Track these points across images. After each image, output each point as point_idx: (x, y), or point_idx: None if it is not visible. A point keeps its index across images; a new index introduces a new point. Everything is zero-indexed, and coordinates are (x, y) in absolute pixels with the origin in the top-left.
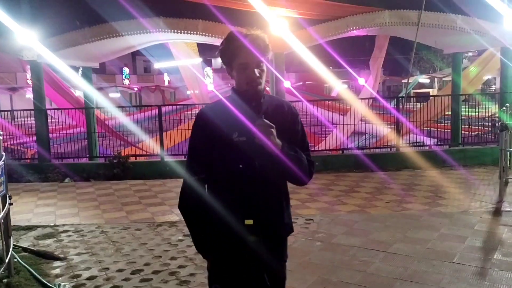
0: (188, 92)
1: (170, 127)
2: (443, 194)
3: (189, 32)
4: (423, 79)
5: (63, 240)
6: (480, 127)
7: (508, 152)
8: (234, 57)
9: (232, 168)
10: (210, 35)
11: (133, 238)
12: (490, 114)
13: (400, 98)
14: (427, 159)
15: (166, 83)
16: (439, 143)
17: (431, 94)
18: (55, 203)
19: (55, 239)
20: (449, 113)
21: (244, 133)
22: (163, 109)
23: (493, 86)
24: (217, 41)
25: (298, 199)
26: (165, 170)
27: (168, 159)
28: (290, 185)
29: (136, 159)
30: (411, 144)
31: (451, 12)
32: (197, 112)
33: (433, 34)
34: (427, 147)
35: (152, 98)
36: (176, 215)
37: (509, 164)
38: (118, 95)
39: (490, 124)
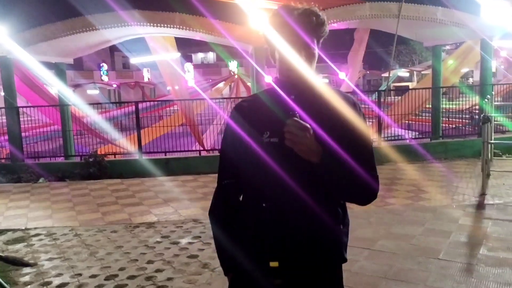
0: (168, 88)
1: (149, 124)
2: (426, 188)
3: (166, 25)
4: (402, 72)
5: (34, 244)
6: (458, 120)
7: (490, 145)
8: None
9: (258, 176)
10: (187, 28)
11: (108, 241)
12: (468, 106)
13: (382, 92)
14: (408, 153)
15: (146, 79)
16: (419, 136)
17: (410, 87)
18: (27, 205)
19: (25, 243)
20: (429, 106)
21: (277, 132)
22: (141, 105)
23: (471, 78)
24: (195, 35)
25: None
26: (142, 169)
27: (146, 157)
28: None
29: (114, 157)
30: (392, 138)
31: (431, 4)
32: (176, 108)
33: (413, 27)
34: (408, 141)
35: (132, 95)
36: (154, 216)
37: (490, 156)
38: (96, 91)
39: (468, 116)
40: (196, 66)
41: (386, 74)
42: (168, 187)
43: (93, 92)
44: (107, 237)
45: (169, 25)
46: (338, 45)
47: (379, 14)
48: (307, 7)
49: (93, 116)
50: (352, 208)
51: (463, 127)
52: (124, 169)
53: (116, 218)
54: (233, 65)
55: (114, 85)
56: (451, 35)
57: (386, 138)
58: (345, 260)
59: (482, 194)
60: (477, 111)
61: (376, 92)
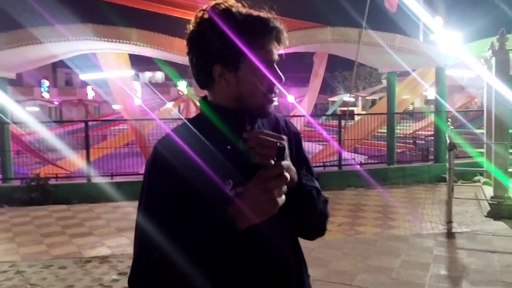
0: (116, 107)
1: (93, 143)
2: (392, 215)
3: (122, 41)
4: (348, 97)
5: None
6: (402, 145)
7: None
8: (254, 44)
9: (230, 238)
10: (145, 45)
11: (56, 279)
12: (411, 132)
13: (344, 116)
14: (368, 177)
15: (90, 97)
16: (376, 161)
17: (355, 112)
18: None
19: None
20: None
21: (242, 180)
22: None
23: (411, 105)
24: (153, 52)
25: None
26: (92, 193)
27: (96, 180)
28: None
29: (57, 180)
30: (349, 163)
31: (390, 31)
32: (122, 127)
33: (371, 53)
34: (359, 166)
35: (75, 113)
36: (107, 248)
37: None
38: (36, 109)
39: (412, 141)
40: (144, 85)
41: (333, 99)
42: (122, 214)
43: (33, 109)
44: (55, 274)
45: (125, 41)
46: (291, 68)
47: (340, 39)
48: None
49: (36, 134)
50: (324, 238)
51: (411, 152)
52: (71, 194)
53: (64, 251)
54: (182, 85)
55: (56, 103)
56: (407, 62)
57: (344, 163)
58: None
59: (449, 222)
60: (421, 137)
61: (338, 117)
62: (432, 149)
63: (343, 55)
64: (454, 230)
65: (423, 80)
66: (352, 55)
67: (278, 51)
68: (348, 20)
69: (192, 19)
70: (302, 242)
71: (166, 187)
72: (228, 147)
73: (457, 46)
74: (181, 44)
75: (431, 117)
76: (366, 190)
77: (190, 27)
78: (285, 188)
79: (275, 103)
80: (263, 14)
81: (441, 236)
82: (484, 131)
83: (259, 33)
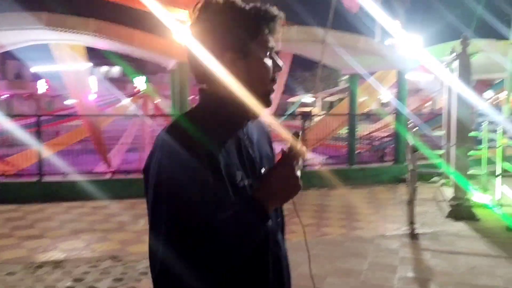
0: (69, 101)
1: (45, 139)
2: (357, 216)
3: (78, 32)
4: (307, 98)
5: None
6: (358, 146)
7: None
8: (262, 30)
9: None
10: (103, 36)
11: (4, 287)
12: (366, 133)
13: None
14: (330, 177)
15: (43, 91)
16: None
17: (313, 113)
18: None
19: None
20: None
21: (249, 173)
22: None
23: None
24: (112, 45)
25: None
26: (44, 192)
27: (49, 178)
28: None
29: (6, 178)
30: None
31: (355, 33)
32: (79, 124)
33: (334, 54)
34: (331, 166)
35: (26, 107)
36: (61, 252)
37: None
38: None
39: (367, 142)
40: (100, 80)
41: (292, 99)
42: (76, 215)
43: None
44: (3, 280)
45: (82, 32)
46: None
47: (305, 38)
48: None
49: None
50: (291, 240)
51: (367, 152)
52: (21, 193)
53: (12, 255)
54: (139, 81)
55: (5, 96)
56: (371, 65)
57: (304, 163)
58: None
59: (412, 223)
60: (377, 138)
61: (301, 117)
62: (387, 150)
63: (308, 55)
64: (417, 231)
65: (382, 83)
66: (316, 56)
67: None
68: (312, 20)
69: (195, 6)
70: None
71: (200, 164)
72: (234, 139)
73: (418, 50)
74: (142, 37)
75: (386, 119)
76: (329, 190)
77: (193, 15)
78: (299, 172)
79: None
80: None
81: (405, 237)
82: (442, 133)
83: (265, 19)
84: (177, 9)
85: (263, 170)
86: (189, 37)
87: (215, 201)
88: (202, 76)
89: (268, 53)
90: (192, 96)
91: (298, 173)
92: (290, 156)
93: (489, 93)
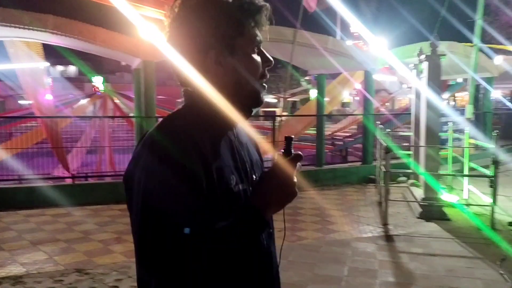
0: (22, 102)
1: None
2: (330, 218)
3: (34, 28)
4: (270, 98)
5: None
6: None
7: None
8: (248, 24)
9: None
10: (63, 34)
11: None
12: (329, 133)
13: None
14: (300, 178)
15: None
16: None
17: (277, 113)
18: None
19: None
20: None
21: (243, 177)
22: None
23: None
24: (71, 43)
25: None
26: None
27: (2, 184)
28: None
29: None
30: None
31: (321, 33)
32: (31, 125)
33: (302, 54)
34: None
35: None
36: (21, 266)
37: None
38: None
39: (330, 143)
40: (56, 80)
41: None
42: (35, 224)
43: None
44: None
45: (39, 29)
46: None
47: (276, 39)
48: None
49: None
50: None
51: (332, 153)
52: None
53: None
54: (97, 81)
55: None
56: (338, 65)
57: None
58: None
59: (385, 224)
60: (339, 138)
61: (271, 118)
62: (350, 149)
63: (275, 55)
64: (391, 232)
65: (345, 85)
66: (284, 56)
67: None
68: (280, 20)
69: (173, 3)
70: None
71: (191, 162)
72: (226, 141)
73: (384, 51)
74: (106, 34)
75: (348, 119)
76: (299, 192)
77: (172, 13)
78: (296, 178)
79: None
80: None
81: (380, 239)
82: (411, 133)
83: (250, 11)
84: (144, 6)
85: (254, 177)
86: (169, 37)
87: (211, 210)
88: (185, 78)
89: (256, 48)
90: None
91: (295, 178)
92: (286, 161)
93: (447, 94)
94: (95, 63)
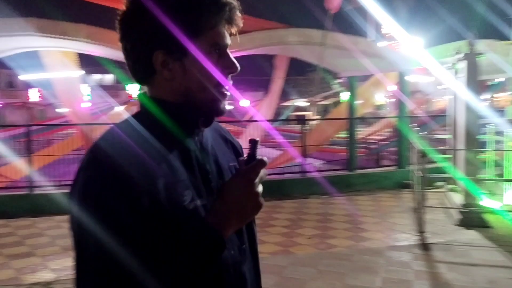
0: (60, 110)
1: (39, 150)
2: (363, 225)
3: (69, 38)
4: (301, 102)
5: None
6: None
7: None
8: (203, 24)
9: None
10: (96, 43)
11: None
12: (362, 137)
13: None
14: (332, 184)
15: (34, 99)
16: (329, 166)
17: (307, 117)
18: None
19: None
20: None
21: (202, 190)
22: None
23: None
24: (104, 51)
25: None
26: (35, 205)
27: (40, 190)
28: None
29: None
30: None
31: (353, 34)
32: (72, 132)
33: (332, 56)
34: (331, 172)
35: (18, 116)
36: (52, 272)
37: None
38: None
39: (363, 146)
40: (93, 88)
41: (287, 103)
42: (68, 230)
43: None
44: None
45: (73, 38)
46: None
47: (303, 41)
48: None
49: None
50: (295, 253)
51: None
52: (11, 206)
53: None
54: (132, 88)
55: None
56: (370, 67)
57: (305, 169)
58: None
59: (421, 232)
60: (374, 141)
61: (299, 122)
62: (384, 153)
63: (305, 58)
64: (428, 240)
65: (377, 87)
66: (314, 59)
67: (231, 34)
68: (309, 22)
69: None
70: (272, 259)
71: (133, 202)
72: (181, 151)
73: (419, 51)
74: None
75: (382, 122)
76: (330, 198)
77: (123, 6)
78: (261, 187)
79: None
80: None
81: (416, 248)
82: (448, 136)
83: (209, 9)
84: None
85: None
86: (120, 32)
87: (158, 234)
88: (140, 79)
89: (217, 51)
90: None
91: (259, 188)
92: (248, 169)
93: (487, 95)
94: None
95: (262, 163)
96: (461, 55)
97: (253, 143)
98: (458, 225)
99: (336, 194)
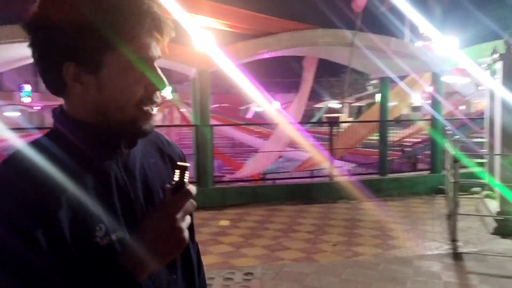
0: None
1: None
2: (391, 232)
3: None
4: (333, 104)
5: None
6: (390, 153)
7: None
8: (122, 34)
9: None
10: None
11: None
12: (397, 139)
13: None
14: (361, 188)
15: None
16: (360, 169)
17: (341, 119)
18: None
19: None
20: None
21: (121, 221)
22: None
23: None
24: None
25: (230, 243)
26: None
27: None
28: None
29: None
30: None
31: (385, 34)
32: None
33: (363, 57)
34: (361, 176)
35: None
36: None
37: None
38: (17, 114)
39: (399, 149)
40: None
41: (319, 105)
42: None
43: (13, 114)
44: None
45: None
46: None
47: (332, 42)
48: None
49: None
50: (318, 261)
51: (400, 160)
52: None
53: None
54: (165, 90)
55: (36, 107)
56: (402, 68)
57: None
58: None
59: (454, 241)
60: (409, 144)
61: (329, 124)
62: (419, 156)
63: (334, 59)
64: (460, 250)
65: (413, 88)
66: (343, 60)
67: (160, 45)
68: (338, 21)
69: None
70: (295, 266)
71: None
72: (97, 177)
73: (454, 51)
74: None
75: (418, 124)
76: (359, 203)
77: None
78: (188, 219)
79: (155, 117)
80: None
81: (447, 258)
82: (484, 140)
83: (128, 18)
84: (198, 16)
85: None
86: (30, 39)
87: (55, 276)
88: (54, 91)
89: (140, 64)
90: (216, 105)
91: (185, 222)
92: (171, 200)
93: None
94: (164, 74)
95: (188, 194)
96: (497, 56)
97: (181, 168)
98: (493, 234)
99: (366, 199)
